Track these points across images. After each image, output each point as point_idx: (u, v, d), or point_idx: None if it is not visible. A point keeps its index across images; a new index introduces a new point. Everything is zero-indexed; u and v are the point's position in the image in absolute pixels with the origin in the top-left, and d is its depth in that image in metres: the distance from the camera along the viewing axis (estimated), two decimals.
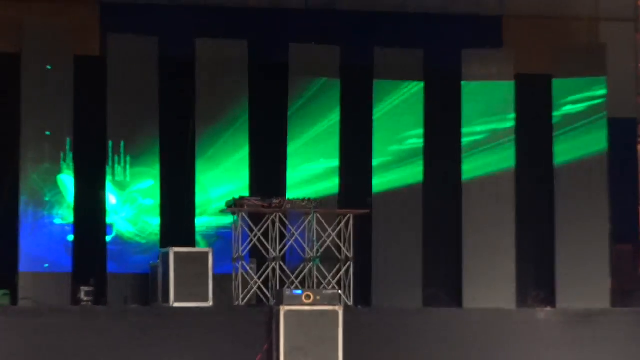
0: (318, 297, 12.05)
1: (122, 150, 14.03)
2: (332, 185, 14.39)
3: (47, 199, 13.78)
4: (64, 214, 13.84)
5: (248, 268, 13.00)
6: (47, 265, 13.61)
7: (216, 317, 12.35)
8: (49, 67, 13.84)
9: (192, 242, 13.69)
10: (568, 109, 14.95)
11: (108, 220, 13.97)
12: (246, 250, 13.08)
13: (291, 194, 14.07)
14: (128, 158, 14.00)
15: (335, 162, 14.53)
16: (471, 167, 14.77)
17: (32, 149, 13.71)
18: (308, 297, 12.07)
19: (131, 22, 14.78)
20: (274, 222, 13.05)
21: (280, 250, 13.09)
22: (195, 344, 11.82)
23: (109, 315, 12.71)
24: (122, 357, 11.34)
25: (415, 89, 14.74)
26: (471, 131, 14.85)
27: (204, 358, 11.72)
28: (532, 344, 12.75)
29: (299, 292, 12.23)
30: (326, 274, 12.87)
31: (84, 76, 14.09)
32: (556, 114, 14.98)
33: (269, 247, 13.01)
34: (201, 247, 13.44)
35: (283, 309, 11.64)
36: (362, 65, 14.77)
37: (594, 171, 14.90)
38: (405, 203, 14.58)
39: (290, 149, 14.47)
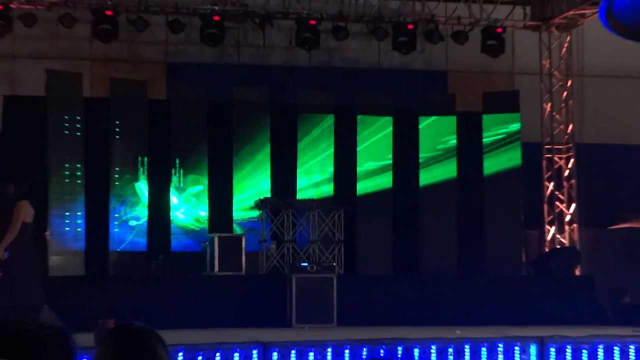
0: (319, 268, 12.04)
1: (177, 166, 14.05)
2: (328, 190, 14.33)
3: (128, 199, 13.80)
4: (140, 211, 13.90)
5: (270, 247, 12.94)
6: (127, 246, 13.72)
7: (247, 281, 12.51)
8: (130, 108, 13.96)
9: (230, 229, 13.66)
10: (493, 135, 14.92)
11: (171, 214, 14.00)
12: (268, 235, 13.00)
13: (300, 195, 14.09)
14: (181, 171, 14.06)
15: (330, 175, 14.45)
16: (426, 177, 14.79)
17: (119, 165, 13.81)
18: (312, 267, 12.10)
19: (187, 75, 14.81)
20: (287, 215, 13.06)
21: (292, 235, 13.10)
22: (232, 299, 12.06)
23: (171, 280, 12.83)
24: (183, 306, 11.18)
25: (386, 121, 14.67)
26: (426, 151, 14.81)
27: (238, 308, 11.67)
28: (470, 299, 12.69)
29: (306, 264, 12.25)
30: (324, 251, 12.80)
31: (154, 114, 14.19)
32: (485, 140, 14.94)
33: (284, 232, 12.95)
34: (237, 233, 13.37)
35: (294, 276, 11.66)
36: (350, 106, 14.66)
37: (512, 179, 14.95)
38: (379, 203, 14.52)
39: (300, 166, 14.45)
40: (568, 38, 15.88)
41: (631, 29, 7.59)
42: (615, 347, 9.28)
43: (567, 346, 9.21)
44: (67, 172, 13.45)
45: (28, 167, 12.96)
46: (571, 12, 15.06)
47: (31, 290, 10.82)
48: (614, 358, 9.24)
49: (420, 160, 14.78)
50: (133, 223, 13.86)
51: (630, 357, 9.24)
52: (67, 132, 13.57)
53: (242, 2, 14.51)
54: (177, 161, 14.08)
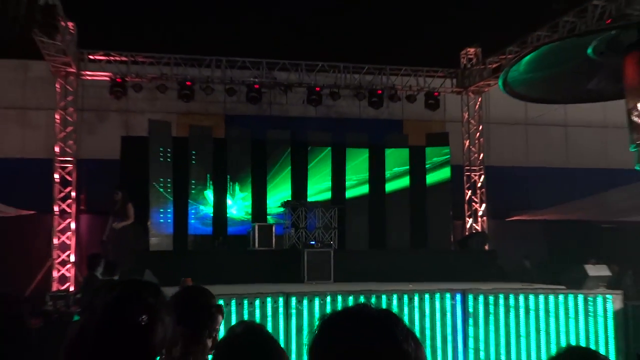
0: (321, 245, 12.01)
1: (230, 180, 14.03)
2: (327, 195, 14.38)
3: (200, 202, 13.81)
4: (207, 209, 13.87)
5: (290, 232, 12.92)
6: (199, 231, 13.71)
7: (275, 254, 12.29)
8: (203, 144, 13.91)
9: (265, 220, 13.57)
10: (433, 160, 14.97)
11: (227, 211, 14.02)
12: (289, 224, 12.96)
13: (309, 199, 14.06)
14: (233, 184, 14.00)
15: (328, 186, 14.46)
16: (389, 187, 14.80)
17: (194, 180, 13.86)
18: (317, 245, 12.01)
19: (238, 122, 14.88)
20: (301, 211, 12.95)
21: (304, 224, 12.92)
22: (266, 265, 11.82)
23: (227, 253, 12.75)
24: (235, 270, 11.20)
25: (364, 151, 14.71)
26: (390, 171, 14.80)
27: (270, 271, 11.61)
28: (418, 265, 12.66)
29: (313, 242, 12.18)
30: (325, 234, 12.75)
31: (217, 147, 14.15)
32: (427, 164, 15.00)
33: (299, 222, 12.90)
34: (269, 222, 13.29)
35: (305, 250, 11.57)
36: (341, 142, 14.67)
37: (444, 188, 14.98)
38: (360, 204, 14.51)
39: (309, 180, 14.46)
40: (479, 99, 15.98)
41: (518, 94, 7.64)
42: (511, 295, 9.30)
43: (480, 295, 9.23)
44: (161, 185, 13.50)
45: (137, 182, 12.97)
46: (481, 83, 15.17)
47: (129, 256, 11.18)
48: (509, 302, 9.27)
49: (386, 177, 14.80)
50: (203, 216, 13.84)
51: (520, 302, 9.26)
52: (161, 159, 13.63)
53: (272, 76, 14.61)
54: (228, 177, 14.08)
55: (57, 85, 14.07)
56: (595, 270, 9.68)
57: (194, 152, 13.89)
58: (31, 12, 6.88)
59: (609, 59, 6.89)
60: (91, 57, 14.05)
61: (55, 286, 13.46)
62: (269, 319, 8.56)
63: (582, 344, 8.95)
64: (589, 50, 6.91)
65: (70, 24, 12.85)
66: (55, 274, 13.67)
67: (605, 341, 9.27)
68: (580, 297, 9.38)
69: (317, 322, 1.44)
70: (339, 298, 8.91)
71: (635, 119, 6.37)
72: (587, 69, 7.35)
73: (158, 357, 1.96)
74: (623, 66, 6.61)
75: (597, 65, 7.13)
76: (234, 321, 8.49)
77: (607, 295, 9.42)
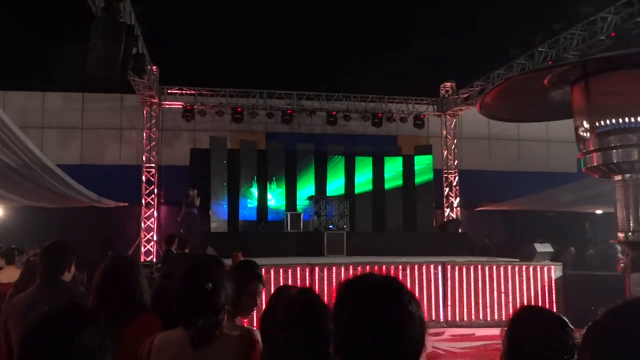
0: (337, 228, 11.95)
1: (268, 181, 13.95)
2: (341, 191, 14.18)
3: (247, 196, 13.77)
4: (252, 202, 13.79)
5: (314, 218, 12.88)
6: (247, 217, 13.66)
7: (303, 235, 12.15)
8: (249, 154, 13.90)
9: (295, 210, 13.35)
10: (419, 166, 14.83)
11: (267, 202, 13.93)
12: (313, 212, 12.91)
13: (328, 194, 13.91)
14: (271, 183, 13.95)
15: (342, 184, 14.37)
16: (388, 185, 14.63)
17: (243, 180, 13.73)
18: (335, 228, 11.96)
19: (275, 138, 14.82)
20: (322, 203, 12.92)
21: (325, 213, 12.89)
22: (296, 243, 11.67)
23: (267, 234, 12.68)
24: (273, 247, 11.14)
25: (368, 159, 14.60)
26: (389, 173, 14.68)
27: (299, 247, 11.52)
28: (409, 243, 12.59)
29: (331, 226, 12.15)
30: (340, 220, 12.72)
31: (260, 157, 14.02)
32: (416, 167, 14.83)
33: (321, 212, 12.86)
34: (298, 211, 13.11)
35: (325, 232, 11.49)
36: (351, 152, 14.58)
37: (428, 186, 14.81)
38: (366, 198, 14.34)
39: (328, 181, 14.33)
40: (454, 120, 15.88)
41: (493, 115, 7.57)
42: (479, 266, 9.26)
43: (456, 266, 9.20)
44: (219, 184, 13.50)
45: (202, 182, 12.94)
46: (456, 108, 15.10)
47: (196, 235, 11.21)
48: (478, 272, 9.23)
49: (385, 178, 14.66)
50: (250, 207, 13.75)
51: (485, 271, 9.21)
52: (219, 165, 13.60)
53: (300, 104, 14.64)
54: (268, 178, 13.96)
55: (144, 112, 14.24)
56: (542, 247, 9.63)
57: (242, 159, 13.88)
58: (127, 59, 7.00)
59: (559, 88, 6.86)
60: (169, 91, 14.22)
61: (142, 258, 13.63)
62: (298, 283, 8.60)
63: (533, 303, 8.89)
64: (545, 82, 6.87)
65: (154, 67, 13.00)
66: (142, 249, 13.85)
67: (549, 300, 9.21)
68: (531, 268, 9.32)
69: (336, 287, 1.36)
70: (350, 268, 8.95)
71: (582, 133, 6.35)
72: (542, 96, 7.33)
73: (221, 313, 1.97)
74: (571, 94, 6.60)
75: (549, 93, 7.12)
76: (273, 285, 8.55)
77: (551, 266, 9.36)
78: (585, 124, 6.28)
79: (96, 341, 1.27)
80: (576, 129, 6.52)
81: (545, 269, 9.31)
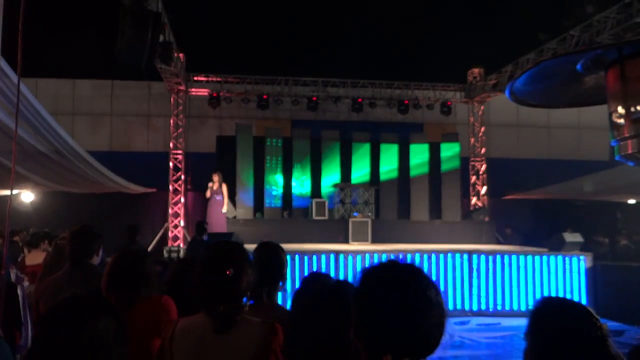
0: (362, 216, 11.96)
1: (293, 168, 13.96)
2: (366, 179, 14.05)
3: (272, 183, 13.80)
4: (278, 189, 13.80)
5: (339, 206, 12.88)
6: (272, 204, 13.66)
7: (328, 222, 12.31)
8: (275, 141, 13.91)
9: (320, 197, 13.43)
10: (446, 153, 14.66)
11: (292, 189, 13.96)
12: (338, 200, 12.90)
13: (353, 181, 13.86)
14: (295, 170, 13.95)
15: (367, 171, 14.26)
16: (413, 172, 14.45)
17: (268, 166, 13.76)
18: (359, 215, 11.98)
19: (301, 125, 14.75)
20: (347, 191, 12.93)
21: (350, 200, 12.86)
22: (321, 230, 11.78)
23: (293, 221, 12.73)
24: (299, 233, 11.20)
25: (394, 146, 14.43)
26: (414, 160, 14.49)
27: (324, 234, 11.61)
28: (435, 232, 12.51)
29: (356, 214, 12.16)
30: (364, 208, 12.71)
31: (285, 143, 13.99)
32: (442, 155, 14.67)
33: (345, 199, 12.86)
34: (324, 199, 13.16)
35: (350, 220, 11.57)
36: (377, 139, 14.44)
37: (455, 174, 14.60)
38: (391, 185, 14.21)
39: (353, 168, 14.25)
40: (482, 107, 15.58)
41: (523, 100, 7.41)
42: (506, 256, 9.12)
43: (482, 255, 9.09)
44: (245, 171, 13.59)
45: (228, 169, 13.07)
46: (483, 95, 14.76)
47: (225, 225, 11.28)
48: (503, 261, 9.09)
49: (410, 165, 14.50)
50: (275, 194, 13.77)
51: (512, 260, 9.08)
52: (245, 152, 13.69)
53: (325, 91, 14.55)
54: (293, 165, 13.97)
55: (172, 99, 14.37)
56: (571, 237, 9.42)
57: (268, 147, 13.86)
58: (154, 47, 7.04)
59: (593, 72, 6.61)
60: (195, 78, 14.28)
61: (169, 243, 13.86)
62: (323, 269, 8.62)
63: (561, 294, 8.72)
64: (578, 67, 6.63)
65: (181, 55, 13.07)
66: (169, 234, 14.07)
67: (578, 292, 9.01)
68: (560, 258, 9.13)
69: (360, 273, 1.41)
70: (375, 256, 8.92)
71: (616, 119, 6.11)
72: (574, 81, 7.08)
73: (245, 298, 1.99)
74: (605, 78, 6.34)
75: (582, 78, 6.86)
76: (298, 270, 8.59)
77: (581, 256, 9.14)
78: (620, 110, 6.04)
79: (111, 331, 1.30)
80: (610, 115, 6.29)
81: (575, 259, 9.09)
